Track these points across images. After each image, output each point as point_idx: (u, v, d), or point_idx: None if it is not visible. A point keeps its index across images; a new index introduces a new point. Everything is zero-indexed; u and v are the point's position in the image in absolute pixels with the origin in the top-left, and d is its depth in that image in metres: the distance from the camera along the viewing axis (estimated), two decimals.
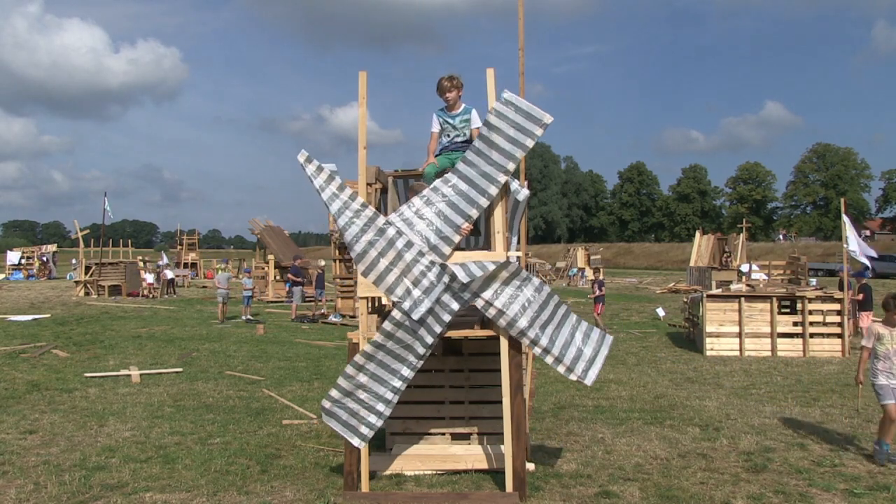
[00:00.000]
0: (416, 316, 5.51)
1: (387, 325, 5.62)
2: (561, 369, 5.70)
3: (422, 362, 5.71)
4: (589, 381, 5.70)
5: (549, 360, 5.70)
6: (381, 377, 5.67)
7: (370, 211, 5.70)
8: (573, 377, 5.70)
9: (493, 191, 5.62)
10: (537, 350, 5.68)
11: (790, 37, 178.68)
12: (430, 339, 5.61)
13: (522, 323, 5.55)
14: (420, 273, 5.57)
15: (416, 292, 5.55)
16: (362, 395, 5.69)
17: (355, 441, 5.68)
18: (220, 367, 12.02)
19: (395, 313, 5.60)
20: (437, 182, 5.78)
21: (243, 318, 20.14)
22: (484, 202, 5.64)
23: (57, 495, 5.61)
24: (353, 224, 5.68)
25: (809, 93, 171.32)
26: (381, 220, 5.68)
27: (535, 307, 5.61)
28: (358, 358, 5.67)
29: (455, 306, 5.58)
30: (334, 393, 5.75)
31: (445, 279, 5.55)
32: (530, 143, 5.60)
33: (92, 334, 16.07)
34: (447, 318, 5.59)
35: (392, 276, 5.62)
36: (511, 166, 5.61)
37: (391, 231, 5.63)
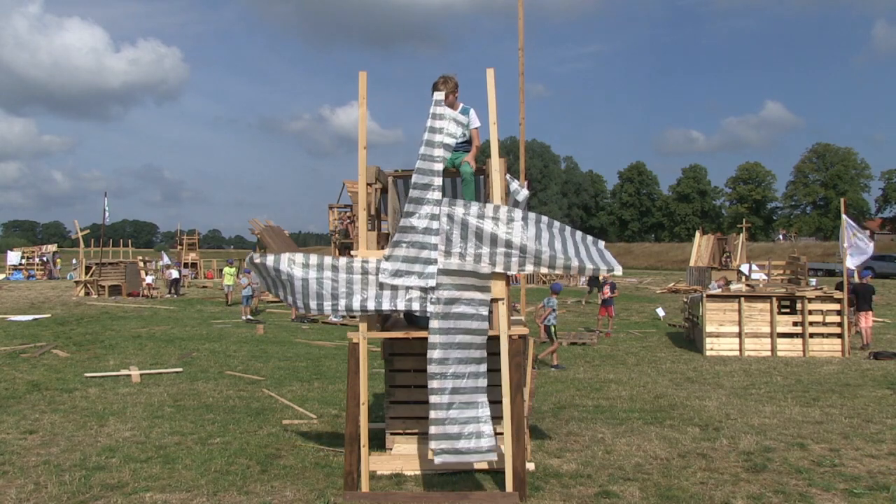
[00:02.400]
0: (432, 283, 5.56)
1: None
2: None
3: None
4: (618, 270, 5.84)
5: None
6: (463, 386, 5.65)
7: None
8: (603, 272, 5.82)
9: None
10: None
11: (790, 37, 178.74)
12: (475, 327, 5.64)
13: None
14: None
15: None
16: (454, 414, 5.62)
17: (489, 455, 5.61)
18: (220, 367, 12.03)
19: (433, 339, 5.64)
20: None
21: (243, 317, 20.15)
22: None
23: (57, 495, 5.61)
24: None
25: (809, 93, 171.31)
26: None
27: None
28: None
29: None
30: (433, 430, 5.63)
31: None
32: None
33: (92, 334, 16.08)
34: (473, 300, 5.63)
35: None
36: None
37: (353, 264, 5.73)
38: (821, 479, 6.03)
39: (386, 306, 5.67)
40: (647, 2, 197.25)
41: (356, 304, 5.69)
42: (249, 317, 20.24)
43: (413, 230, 5.64)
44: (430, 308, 5.60)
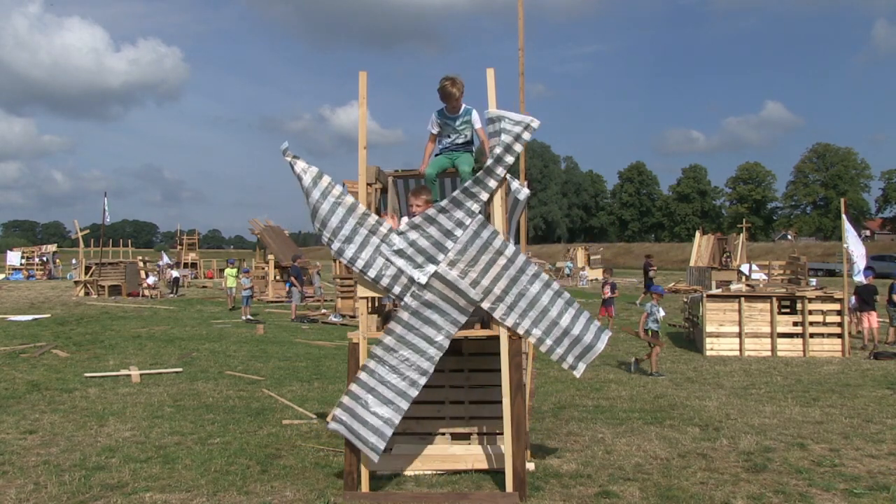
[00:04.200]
0: (423, 279, 5.54)
1: (392, 330, 5.63)
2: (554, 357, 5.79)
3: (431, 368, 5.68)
4: (578, 373, 5.81)
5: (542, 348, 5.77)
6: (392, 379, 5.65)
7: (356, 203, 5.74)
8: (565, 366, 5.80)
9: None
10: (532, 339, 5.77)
11: (790, 37, 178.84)
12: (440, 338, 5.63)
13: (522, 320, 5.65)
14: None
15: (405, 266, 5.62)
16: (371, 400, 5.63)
17: (371, 454, 5.60)
18: (220, 367, 12.02)
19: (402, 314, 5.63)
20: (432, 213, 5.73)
21: (243, 318, 20.15)
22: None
23: (57, 495, 5.61)
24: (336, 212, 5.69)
25: (809, 93, 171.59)
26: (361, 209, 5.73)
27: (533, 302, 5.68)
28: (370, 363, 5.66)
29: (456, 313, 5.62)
30: (346, 400, 5.68)
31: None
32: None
33: (92, 334, 16.07)
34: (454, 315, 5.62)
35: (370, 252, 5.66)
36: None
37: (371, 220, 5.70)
38: (821, 479, 6.02)
39: (371, 274, 5.65)
40: (647, 2, 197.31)
41: (348, 254, 5.67)
42: (249, 317, 20.24)
43: (437, 225, 5.63)
44: (407, 299, 5.61)
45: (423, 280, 5.59)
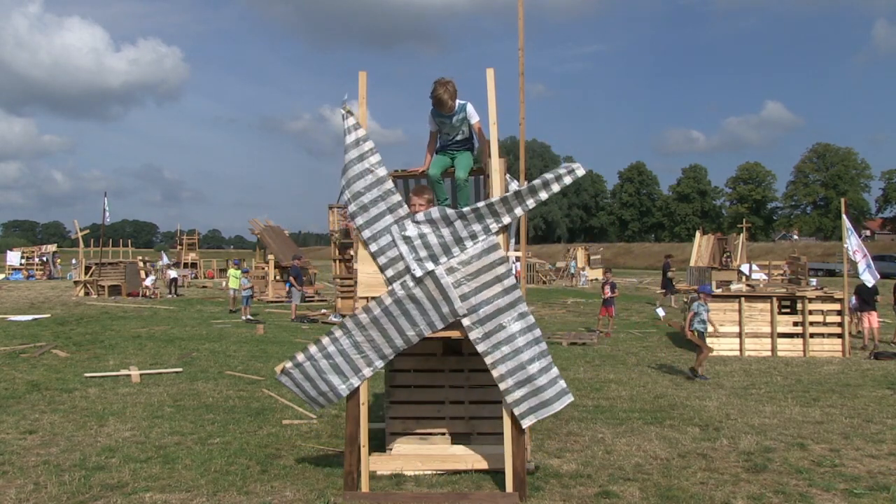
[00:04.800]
0: (418, 273, 5.57)
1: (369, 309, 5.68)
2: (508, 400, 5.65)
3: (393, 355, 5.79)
4: (525, 424, 5.64)
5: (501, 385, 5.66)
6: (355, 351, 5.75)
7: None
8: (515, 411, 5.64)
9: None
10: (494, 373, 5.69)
11: (790, 37, 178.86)
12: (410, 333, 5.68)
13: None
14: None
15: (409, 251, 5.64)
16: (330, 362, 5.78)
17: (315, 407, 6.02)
18: (220, 367, 12.02)
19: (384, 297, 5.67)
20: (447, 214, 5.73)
21: (243, 318, 20.15)
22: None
23: (57, 495, 5.61)
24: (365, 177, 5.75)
25: (809, 93, 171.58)
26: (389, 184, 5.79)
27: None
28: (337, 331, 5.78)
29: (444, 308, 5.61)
30: (299, 356, 5.85)
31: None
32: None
33: (92, 334, 16.07)
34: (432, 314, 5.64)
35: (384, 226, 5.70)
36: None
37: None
38: (821, 479, 6.02)
39: (372, 248, 5.71)
40: (647, 2, 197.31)
41: (359, 220, 5.74)
42: (249, 317, 20.24)
43: (452, 230, 5.64)
44: (395, 286, 5.64)
45: (419, 274, 5.59)
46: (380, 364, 5.77)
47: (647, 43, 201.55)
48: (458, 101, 6.08)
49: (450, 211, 5.68)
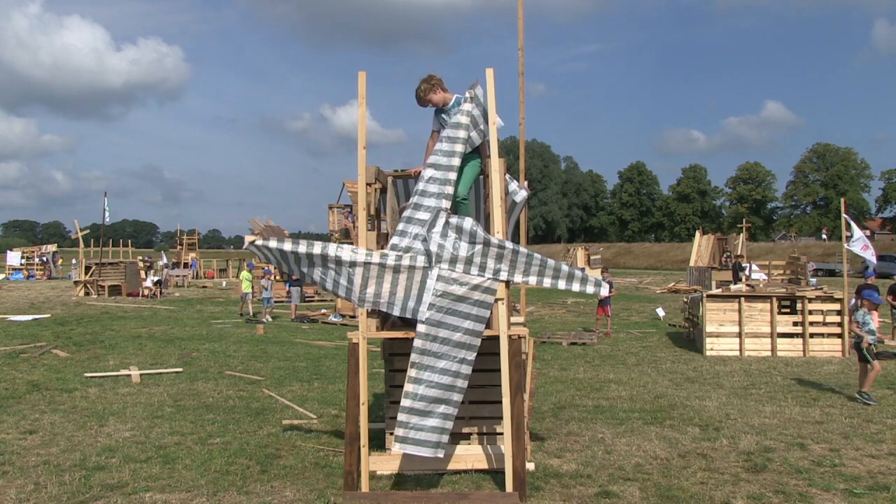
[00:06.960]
0: (418, 263, 5.53)
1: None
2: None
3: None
4: (395, 448, 5.58)
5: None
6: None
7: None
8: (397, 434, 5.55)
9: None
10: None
11: (790, 37, 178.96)
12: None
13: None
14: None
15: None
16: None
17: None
18: (220, 367, 12.02)
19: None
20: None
21: (265, 318, 20.19)
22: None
23: (57, 495, 5.61)
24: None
25: (809, 93, 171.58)
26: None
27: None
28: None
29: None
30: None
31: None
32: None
33: (92, 334, 16.07)
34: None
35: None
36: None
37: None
38: (821, 479, 6.03)
39: (406, 213, 5.69)
40: (648, 1, 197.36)
41: (420, 186, 5.67)
42: (269, 317, 20.17)
43: (473, 252, 5.57)
44: (390, 253, 5.63)
45: (418, 264, 5.57)
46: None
47: (648, 43, 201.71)
48: (454, 96, 6.02)
49: (481, 232, 5.58)
